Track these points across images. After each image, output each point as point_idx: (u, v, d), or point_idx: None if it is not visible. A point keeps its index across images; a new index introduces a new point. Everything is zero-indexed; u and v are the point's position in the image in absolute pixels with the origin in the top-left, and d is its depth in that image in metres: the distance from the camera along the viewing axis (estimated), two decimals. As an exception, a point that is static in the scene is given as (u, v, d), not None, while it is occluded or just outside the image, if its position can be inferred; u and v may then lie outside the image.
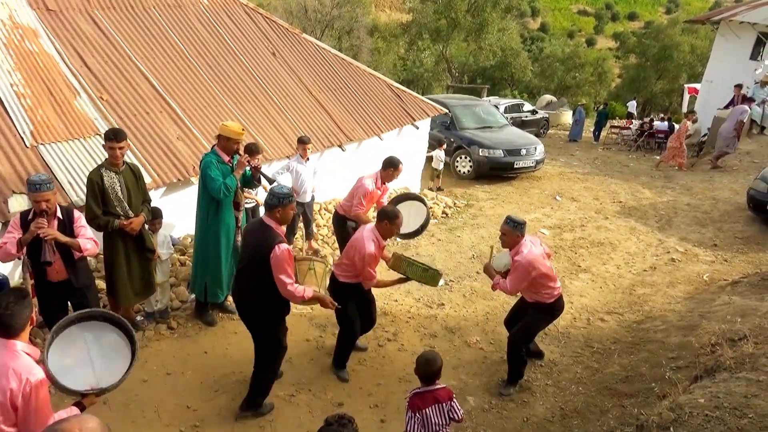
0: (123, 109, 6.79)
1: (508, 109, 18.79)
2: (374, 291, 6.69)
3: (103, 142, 4.78)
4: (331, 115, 8.93)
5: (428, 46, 30.67)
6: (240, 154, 5.26)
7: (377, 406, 4.67)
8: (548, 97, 27.39)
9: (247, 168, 5.30)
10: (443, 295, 6.61)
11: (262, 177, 5.44)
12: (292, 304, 4.20)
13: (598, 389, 4.99)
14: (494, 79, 33.10)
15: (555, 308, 4.85)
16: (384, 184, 6.31)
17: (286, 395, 4.69)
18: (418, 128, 10.17)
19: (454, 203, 10.13)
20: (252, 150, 6.12)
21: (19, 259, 4.32)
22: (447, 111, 11.62)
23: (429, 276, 4.90)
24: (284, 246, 3.85)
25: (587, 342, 5.80)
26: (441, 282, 5.13)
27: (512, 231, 4.57)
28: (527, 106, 20.55)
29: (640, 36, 44.95)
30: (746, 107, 13.24)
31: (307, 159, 6.95)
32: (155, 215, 5.28)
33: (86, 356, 2.92)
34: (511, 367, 4.98)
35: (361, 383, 4.97)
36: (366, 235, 4.61)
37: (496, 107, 15.70)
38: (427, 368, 3.50)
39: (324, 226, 8.15)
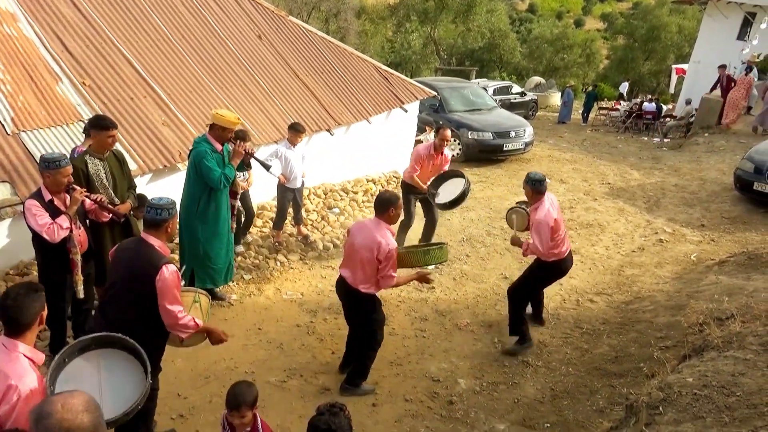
0: (106, 95, 6.67)
1: (497, 92, 18.75)
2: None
3: (88, 129, 4.70)
4: (319, 99, 8.84)
5: (416, 28, 30.46)
6: (233, 143, 5.19)
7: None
8: (537, 78, 27.38)
9: None
10: (433, 278, 6.61)
11: (257, 161, 5.43)
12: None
13: (587, 370, 5.03)
14: (483, 61, 33.00)
15: (558, 268, 5.08)
16: (442, 153, 6.79)
17: (278, 381, 4.69)
18: (406, 111, 10.11)
19: (444, 186, 10.10)
20: (241, 136, 6.00)
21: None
22: (435, 94, 11.56)
23: (444, 252, 4.72)
24: (172, 267, 3.22)
25: (577, 323, 5.84)
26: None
27: (529, 187, 4.83)
28: (516, 88, 20.52)
29: (628, 17, 44.87)
30: None
31: (296, 144, 6.87)
32: (141, 202, 5.21)
33: (96, 385, 2.72)
34: (510, 321, 5.27)
35: (352, 368, 4.97)
36: (377, 231, 4.17)
37: (485, 89, 15.65)
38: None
39: (313, 211, 8.10)
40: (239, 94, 7.97)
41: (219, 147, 5.13)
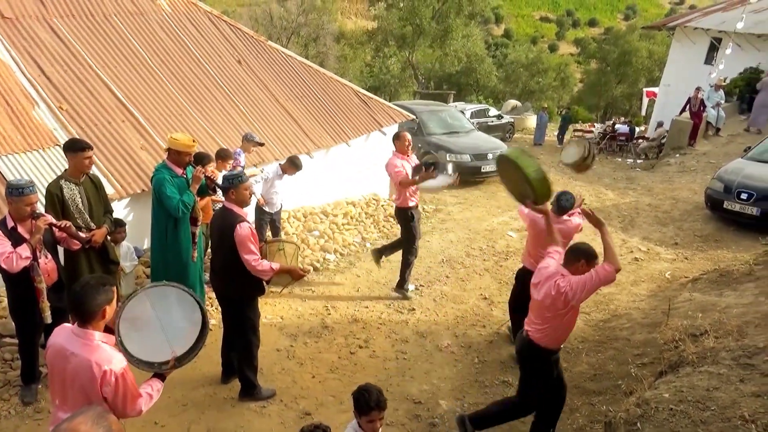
0: (84, 119, 6.64)
1: (474, 114, 19.02)
2: (346, 297, 6.69)
3: (63, 153, 4.66)
4: (299, 123, 8.90)
5: (394, 52, 30.88)
6: (193, 166, 5.07)
7: (350, 413, 4.64)
8: (513, 101, 27.85)
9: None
10: (414, 300, 6.63)
11: (216, 187, 5.18)
12: (267, 289, 4.50)
13: (567, 388, 5.05)
14: (460, 85, 33.47)
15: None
16: (408, 156, 6.51)
17: (257, 407, 4.63)
18: (385, 134, 10.20)
19: (423, 208, 10.18)
20: (200, 160, 5.75)
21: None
22: (414, 117, 11.69)
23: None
24: (245, 224, 4.07)
25: (556, 342, 5.88)
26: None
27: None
28: (493, 111, 20.85)
29: (600, 42, 46.13)
30: None
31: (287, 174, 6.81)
32: (118, 225, 5.16)
33: (157, 325, 2.92)
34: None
35: (333, 392, 4.93)
36: (558, 279, 3.86)
37: (463, 112, 15.88)
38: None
39: (293, 234, 8.09)
40: (219, 118, 7.99)
41: (179, 171, 5.02)
